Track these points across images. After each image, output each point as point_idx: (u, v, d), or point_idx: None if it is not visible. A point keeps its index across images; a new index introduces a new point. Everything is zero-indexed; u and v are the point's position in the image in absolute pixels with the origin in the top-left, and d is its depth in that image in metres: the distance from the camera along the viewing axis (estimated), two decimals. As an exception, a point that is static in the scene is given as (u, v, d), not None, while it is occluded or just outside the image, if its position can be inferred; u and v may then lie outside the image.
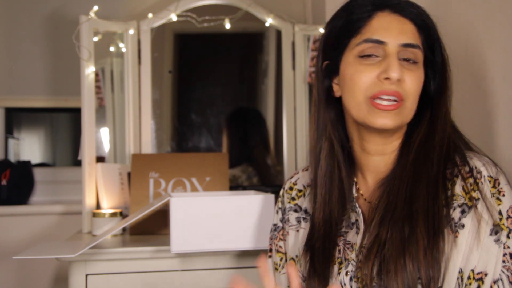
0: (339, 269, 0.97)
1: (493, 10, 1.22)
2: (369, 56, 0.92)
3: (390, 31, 0.91)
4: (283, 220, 1.12)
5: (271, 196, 1.33)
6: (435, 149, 0.93)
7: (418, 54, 0.93)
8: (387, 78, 0.90)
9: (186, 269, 1.40)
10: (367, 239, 0.92)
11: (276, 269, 1.10)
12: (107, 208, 1.70)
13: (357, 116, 0.94)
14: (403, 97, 0.91)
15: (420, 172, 0.92)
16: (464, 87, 1.32)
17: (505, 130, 1.20)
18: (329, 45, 0.99)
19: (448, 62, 0.97)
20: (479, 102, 1.28)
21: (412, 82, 0.92)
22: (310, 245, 1.01)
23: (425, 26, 0.94)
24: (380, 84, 0.91)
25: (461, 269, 0.85)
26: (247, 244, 1.32)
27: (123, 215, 1.68)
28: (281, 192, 1.15)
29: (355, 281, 0.93)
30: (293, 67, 2.01)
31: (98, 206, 1.72)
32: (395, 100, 0.91)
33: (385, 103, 0.91)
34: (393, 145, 0.98)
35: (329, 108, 1.01)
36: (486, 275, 0.83)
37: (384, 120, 0.91)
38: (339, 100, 1.00)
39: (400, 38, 0.91)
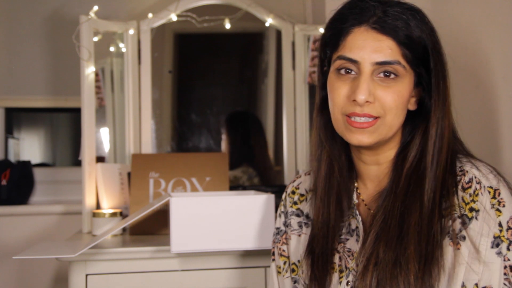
0: (340, 277, 0.97)
1: (493, 10, 1.22)
2: (346, 71, 0.92)
3: (364, 49, 0.89)
4: (285, 224, 1.12)
5: (271, 196, 1.33)
6: (428, 167, 0.91)
7: (399, 69, 0.89)
8: (355, 100, 0.89)
9: (186, 269, 1.40)
10: (362, 256, 0.91)
11: (279, 272, 1.10)
12: (107, 208, 1.70)
13: (337, 130, 0.95)
14: (376, 116, 0.90)
15: (414, 191, 0.90)
16: (464, 87, 1.32)
17: (505, 129, 1.20)
18: (322, 55, 1.00)
19: (446, 74, 0.93)
20: (479, 102, 1.28)
21: (390, 98, 0.90)
22: (311, 249, 1.01)
23: (409, 40, 0.89)
24: (352, 104, 0.90)
25: (463, 283, 0.84)
26: (246, 244, 1.32)
27: (123, 215, 1.68)
28: (283, 196, 1.15)
29: None
30: (293, 67, 2.01)
31: (98, 206, 1.72)
32: (370, 117, 0.90)
33: (358, 120, 0.90)
34: (386, 155, 0.97)
35: (324, 116, 1.01)
36: None
37: (360, 137, 0.91)
38: None
39: (374, 56, 0.89)
